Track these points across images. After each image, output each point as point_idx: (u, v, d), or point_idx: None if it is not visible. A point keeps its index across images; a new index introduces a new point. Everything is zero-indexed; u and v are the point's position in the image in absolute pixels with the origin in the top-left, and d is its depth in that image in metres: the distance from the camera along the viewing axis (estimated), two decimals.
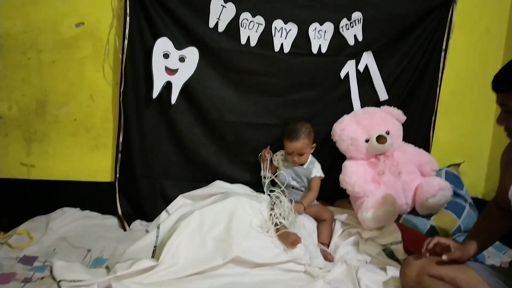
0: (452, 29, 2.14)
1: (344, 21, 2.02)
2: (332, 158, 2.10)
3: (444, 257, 1.36)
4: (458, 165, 2.22)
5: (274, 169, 2.02)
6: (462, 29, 2.18)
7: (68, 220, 1.95)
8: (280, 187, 1.94)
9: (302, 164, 1.97)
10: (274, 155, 2.03)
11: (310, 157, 1.99)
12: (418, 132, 2.22)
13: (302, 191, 1.99)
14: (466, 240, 1.47)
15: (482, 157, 2.35)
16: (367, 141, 1.96)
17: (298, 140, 1.89)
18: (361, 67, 2.09)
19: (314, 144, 1.97)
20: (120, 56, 1.94)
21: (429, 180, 1.92)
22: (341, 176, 1.93)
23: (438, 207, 1.92)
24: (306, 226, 1.87)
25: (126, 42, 1.91)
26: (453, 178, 2.09)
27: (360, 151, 1.96)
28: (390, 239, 1.79)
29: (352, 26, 2.04)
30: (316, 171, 1.97)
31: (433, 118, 2.22)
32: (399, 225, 1.86)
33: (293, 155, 1.92)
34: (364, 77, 2.12)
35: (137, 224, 2.03)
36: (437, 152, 2.20)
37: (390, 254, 1.79)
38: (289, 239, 1.69)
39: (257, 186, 2.06)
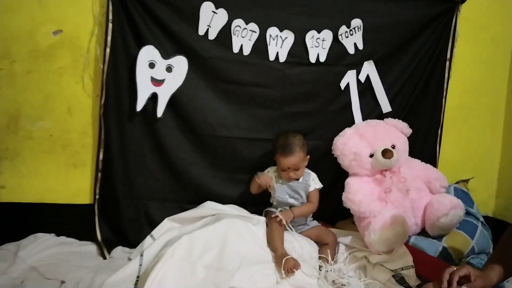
0: (456, 38, 2.04)
1: (343, 29, 1.91)
2: (333, 175, 1.96)
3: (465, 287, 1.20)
4: (467, 181, 2.09)
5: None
6: (467, 38, 2.09)
7: (40, 248, 1.76)
8: (277, 208, 1.77)
9: (297, 179, 1.81)
10: (266, 171, 1.87)
11: (305, 169, 1.84)
12: (424, 147, 2.09)
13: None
14: (487, 266, 1.33)
15: (491, 172, 2.23)
16: (371, 156, 1.82)
17: (293, 154, 1.75)
18: (362, 77, 1.98)
19: (308, 156, 1.83)
20: (102, 66, 1.79)
21: (440, 197, 1.78)
22: (344, 195, 1.78)
23: (450, 227, 1.77)
24: (307, 250, 1.70)
25: (108, 50, 1.77)
26: (462, 195, 1.96)
27: (364, 167, 1.82)
28: (401, 264, 1.64)
29: (352, 34, 1.93)
30: (315, 183, 1.84)
31: (439, 132, 2.10)
32: (410, 247, 1.70)
33: (289, 171, 1.77)
34: (365, 88, 2.00)
35: (119, 251, 1.85)
36: (444, 168, 2.08)
37: (401, 280, 1.63)
38: (286, 265, 1.52)
39: (252, 206, 1.90)
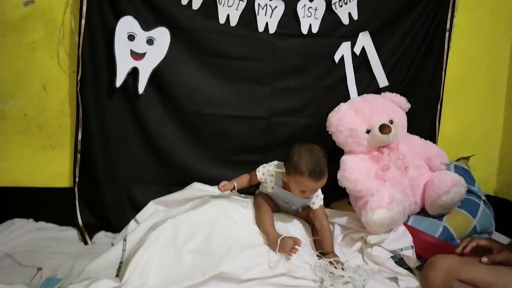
0: (456, 8, 1.93)
1: None
2: (327, 153, 1.83)
3: (485, 259, 1.13)
4: (467, 158, 2.01)
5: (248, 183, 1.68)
6: (467, 7, 1.98)
7: (17, 234, 1.67)
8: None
9: None
10: (262, 166, 1.65)
11: None
12: (422, 123, 1.99)
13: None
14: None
15: (492, 149, 2.14)
16: (368, 132, 1.72)
17: (324, 176, 1.49)
18: (357, 50, 1.87)
19: None
20: (77, 39, 1.67)
21: (441, 175, 1.69)
22: (339, 173, 1.68)
23: (451, 206, 1.69)
24: (300, 232, 1.61)
25: (83, 22, 1.66)
26: (463, 173, 1.87)
27: (361, 143, 1.72)
28: (400, 244, 1.56)
29: (346, 3, 1.82)
30: (319, 199, 1.59)
31: (439, 107, 2.00)
32: (409, 227, 1.62)
33: (308, 192, 1.53)
34: (361, 61, 1.89)
35: (101, 236, 1.76)
36: (443, 145, 1.97)
37: (400, 262, 1.56)
38: (285, 246, 1.42)
39: (242, 188, 1.78)
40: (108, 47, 1.67)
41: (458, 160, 1.99)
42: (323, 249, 1.54)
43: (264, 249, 1.50)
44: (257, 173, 1.64)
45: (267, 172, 1.63)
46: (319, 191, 1.59)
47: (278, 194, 1.63)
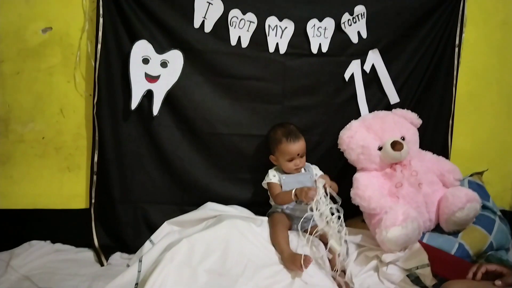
0: (465, 23, 1.94)
1: (346, 16, 1.81)
2: (339, 171, 1.87)
3: (499, 282, 1.11)
4: (481, 173, 1.98)
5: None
6: (476, 22, 1.98)
7: (35, 256, 1.68)
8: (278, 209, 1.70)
9: (302, 168, 1.74)
10: (272, 175, 1.75)
11: None
12: (434, 138, 1.99)
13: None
14: None
15: (506, 164, 2.12)
16: (380, 149, 1.72)
17: (300, 138, 1.71)
18: (367, 67, 1.88)
19: None
20: (93, 64, 1.71)
21: (454, 191, 1.68)
22: (352, 191, 1.68)
23: (466, 222, 1.67)
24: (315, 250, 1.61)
25: (99, 47, 1.69)
26: (477, 189, 1.85)
27: (373, 160, 1.72)
28: (416, 263, 1.54)
29: (355, 22, 1.83)
30: (318, 170, 1.79)
31: (451, 122, 1.99)
32: (424, 245, 1.61)
33: (296, 160, 1.70)
34: (371, 79, 1.90)
35: (117, 257, 1.77)
36: (456, 160, 1.97)
37: (416, 280, 1.54)
38: (296, 262, 1.44)
39: (255, 207, 1.82)
40: (123, 70, 1.70)
41: (471, 175, 1.96)
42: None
43: (279, 268, 1.51)
44: (270, 181, 1.72)
45: (272, 172, 1.75)
46: (315, 166, 1.78)
47: (288, 180, 1.70)
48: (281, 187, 1.71)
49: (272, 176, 1.74)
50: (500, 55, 2.05)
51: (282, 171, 1.74)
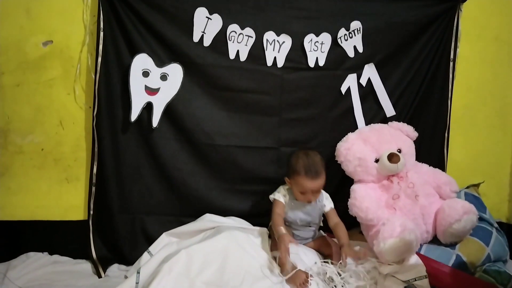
0: (459, 38, 1.98)
1: (342, 31, 1.85)
2: (337, 183, 1.88)
3: None
4: (477, 185, 2.00)
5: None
6: (470, 37, 2.03)
7: (32, 268, 1.68)
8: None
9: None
10: (274, 194, 1.71)
11: None
12: (431, 151, 2.01)
13: (311, 226, 1.73)
14: None
15: (502, 175, 2.14)
16: (377, 161, 1.74)
17: (320, 176, 1.60)
18: (363, 81, 1.91)
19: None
20: (93, 76, 1.73)
21: (451, 203, 1.70)
22: (350, 202, 1.70)
23: (463, 234, 1.68)
24: (314, 262, 1.62)
25: (99, 60, 1.72)
26: (474, 201, 1.87)
27: (370, 172, 1.74)
28: (413, 274, 1.55)
29: (351, 37, 1.87)
30: (329, 202, 1.72)
31: (446, 135, 2.02)
32: (422, 257, 1.61)
33: (308, 194, 1.61)
34: (367, 92, 1.94)
35: (115, 269, 1.77)
36: (452, 172, 1.98)
37: None
38: (297, 279, 1.45)
39: (254, 218, 1.82)
40: (123, 83, 1.72)
41: (468, 187, 1.98)
42: (339, 243, 1.60)
43: (277, 280, 1.50)
44: (277, 199, 1.68)
45: (282, 193, 1.70)
46: (327, 195, 1.71)
47: (295, 206, 1.67)
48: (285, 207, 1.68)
49: (282, 196, 1.69)
50: (494, 69, 2.09)
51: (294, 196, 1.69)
